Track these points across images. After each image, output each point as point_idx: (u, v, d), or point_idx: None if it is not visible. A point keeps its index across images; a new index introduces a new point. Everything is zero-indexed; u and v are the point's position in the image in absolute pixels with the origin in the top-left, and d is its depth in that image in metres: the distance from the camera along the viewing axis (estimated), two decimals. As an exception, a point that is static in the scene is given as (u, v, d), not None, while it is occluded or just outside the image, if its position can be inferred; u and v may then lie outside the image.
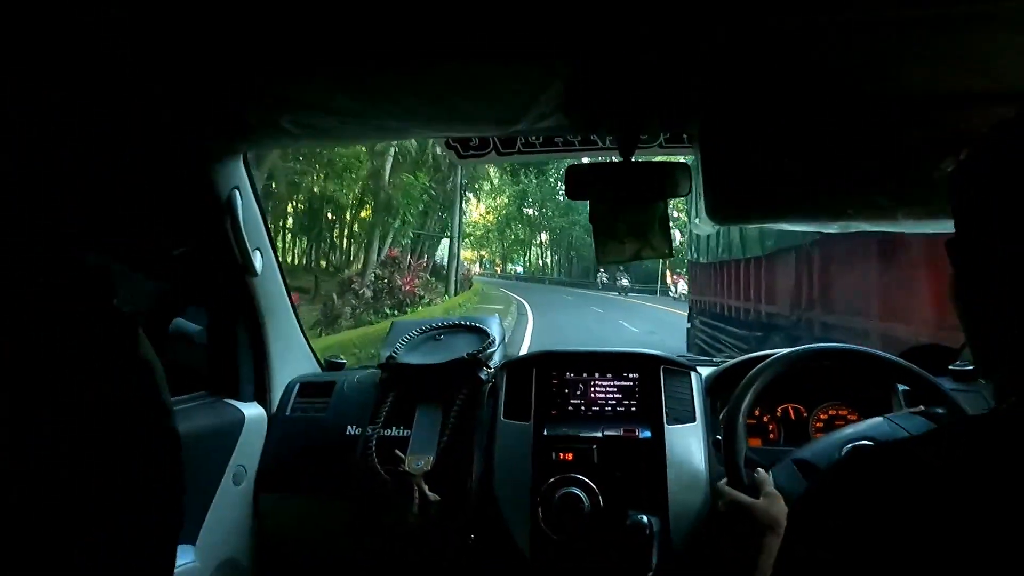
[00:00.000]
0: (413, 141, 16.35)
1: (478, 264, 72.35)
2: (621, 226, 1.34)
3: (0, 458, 0.32)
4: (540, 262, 55.69)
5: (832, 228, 1.25)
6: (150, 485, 0.39)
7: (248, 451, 1.52)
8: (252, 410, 1.54)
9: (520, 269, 58.47)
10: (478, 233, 57.30)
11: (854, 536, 0.46)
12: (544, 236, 51.88)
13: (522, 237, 53.30)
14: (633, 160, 1.31)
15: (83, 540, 0.35)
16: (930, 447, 0.49)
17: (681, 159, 1.35)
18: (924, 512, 0.44)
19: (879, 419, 1.25)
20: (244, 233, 1.40)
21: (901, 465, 0.48)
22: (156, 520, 0.40)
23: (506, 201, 46.58)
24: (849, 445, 1.17)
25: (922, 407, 1.28)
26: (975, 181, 0.54)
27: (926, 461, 0.47)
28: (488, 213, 51.23)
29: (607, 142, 1.41)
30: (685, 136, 1.38)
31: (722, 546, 1.18)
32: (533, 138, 1.42)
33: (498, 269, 63.77)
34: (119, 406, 0.37)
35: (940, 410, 1.23)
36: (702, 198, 1.21)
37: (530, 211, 48.46)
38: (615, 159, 1.32)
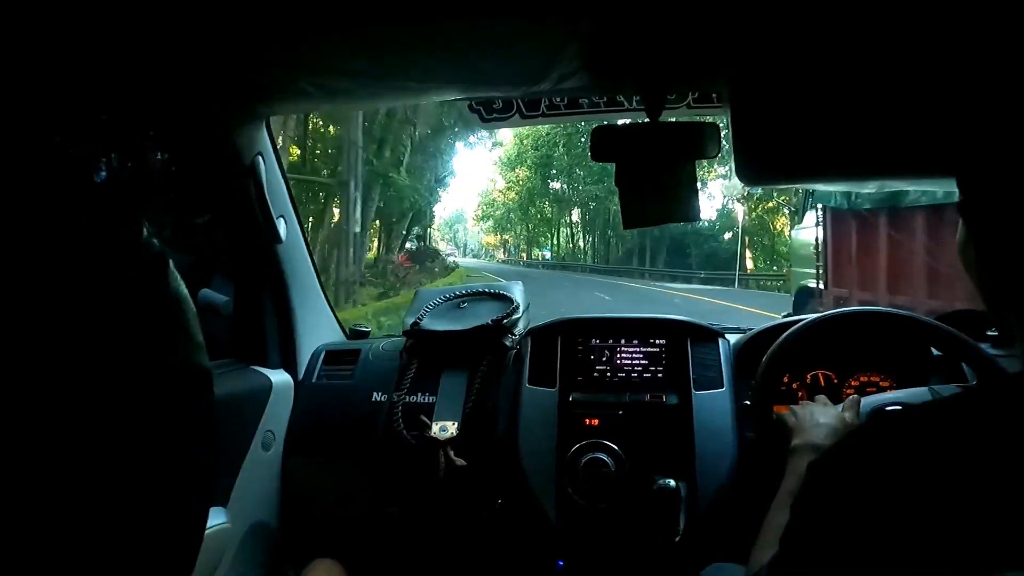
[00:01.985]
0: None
1: (502, 250, 65.79)
2: (647, 188, 1.32)
3: (25, 397, 0.32)
4: (571, 245, 46.54)
5: (869, 187, 1.21)
6: (184, 423, 0.38)
7: (276, 417, 1.54)
8: (279, 377, 1.56)
9: (548, 254, 49.37)
10: (498, 214, 52.90)
11: (870, 499, 0.45)
12: (575, 214, 43.09)
13: (549, 216, 45.88)
14: (661, 121, 1.28)
15: (114, 485, 0.34)
16: (955, 412, 0.47)
17: (711, 119, 1.31)
18: (944, 477, 0.43)
19: (922, 389, 1.22)
20: (268, 200, 1.39)
21: (923, 429, 0.47)
22: (190, 462, 0.40)
23: (528, 173, 41.28)
24: (855, 397, 1.15)
25: (970, 384, 1.25)
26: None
27: (949, 426, 0.46)
28: (509, 188, 46.49)
29: (634, 103, 1.38)
30: (714, 96, 1.34)
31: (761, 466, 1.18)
32: (558, 100, 1.39)
33: (523, 256, 55.54)
34: (149, 343, 0.37)
35: (984, 386, 1.19)
36: (732, 159, 1.18)
37: (557, 184, 41.71)
38: (643, 121, 1.28)
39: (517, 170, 42.88)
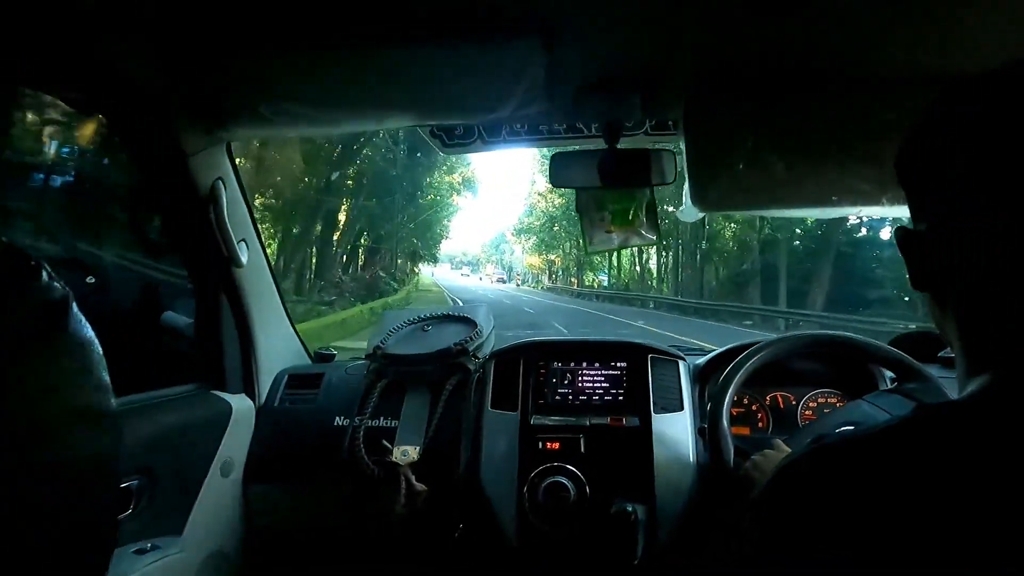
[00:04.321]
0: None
1: (547, 275, 55.96)
2: (607, 214, 1.34)
3: None
4: (636, 268, 35.01)
5: (816, 214, 1.24)
6: (78, 466, 0.38)
7: (236, 442, 1.52)
8: (240, 402, 1.54)
9: (605, 279, 39.95)
10: (539, 224, 43.62)
11: (808, 532, 0.46)
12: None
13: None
14: (619, 147, 1.30)
15: (8, 531, 0.34)
16: (890, 440, 0.48)
17: (668, 147, 1.34)
18: (878, 509, 0.44)
19: (856, 402, 1.26)
20: (228, 224, 1.39)
21: (857, 460, 0.47)
22: (88, 505, 0.39)
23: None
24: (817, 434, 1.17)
25: (896, 384, 1.28)
26: (935, 154, 0.54)
27: (884, 456, 0.46)
28: (551, 190, 29.36)
29: (592, 130, 1.40)
30: (670, 123, 1.37)
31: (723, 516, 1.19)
32: (518, 126, 1.41)
33: (574, 282, 44.60)
34: (48, 388, 0.36)
35: (913, 385, 1.23)
36: (687, 184, 1.21)
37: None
38: (601, 148, 1.31)
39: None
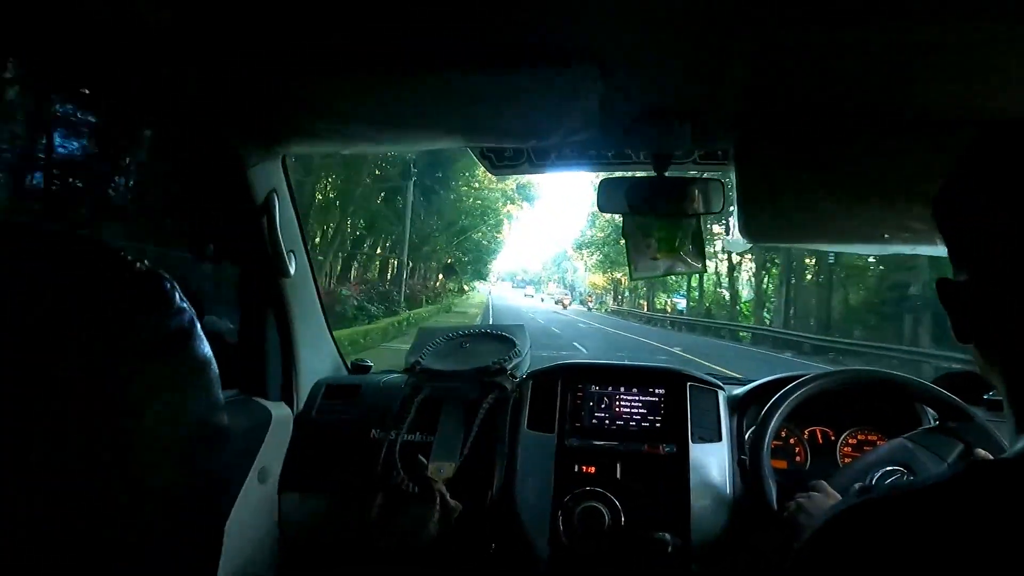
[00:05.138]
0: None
1: (611, 296, 49.85)
2: (653, 241, 1.34)
3: (43, 461, 0.33)
4: (720, 290, 31.15)
5: (869, 250, 1.24)
6: (193, 481, 0.39)
7: (274, 450, 1.54)
8: (279, 410, 1.56)
9: (681, 303, 35.15)
10: (600, 236, 38.99)
11: None
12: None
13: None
14: (667, 175, 1.31)
15: (114, 543, 0.35)
16: (941, 497, 0.47)
17: (716, 176, 1.34)
18: (926, 569, 0.43)
19: (899, 440, 1.24)
20: (279, 235, 1.42)
21: (907, 518, 0.47)
22: (205, 518, 0.41)
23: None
24: (856, 487, 1.14)
25: (938, 423, 1.26)
26: (972, 200, 0.53)
27: (934, 514, 0.46)
28: None
29: (641, 157, 1.41)
30: (720, 152, 1.37)
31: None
32: (567, 151, 1.42)
33: (642, 305, 39.60)
34: (176, 410, 0.38)
35: (957, 424, 1.21)
36: (735, 215, 1.21)
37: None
38: (650, 175, 1.32)
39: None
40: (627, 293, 45.82)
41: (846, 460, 1.49)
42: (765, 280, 26.08)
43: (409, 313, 17.43)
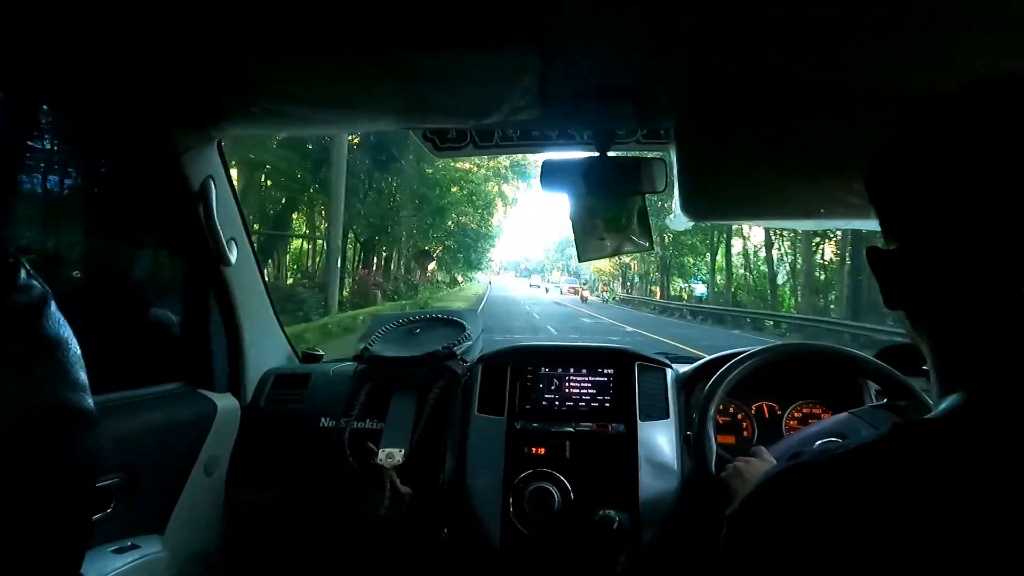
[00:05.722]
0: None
1: (619, 282, 46.47)
2: (599, 222, 1.34)
3: None
4: (749, 274, 27.20)
5: (806, 226, 1.25)
6: (50, 461, 0.38)
7: (221, 442, 1.51)
8: (225, 401, 1.53)
9: (701, 290, 29.71)
10: None
11: (779, 549, 0.46)
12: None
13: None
14: (609, 155, 1.31)
15: None
16: (864, 458, 0.48)
17: (658, 155, 1.34)
18: (849, 528, 0.44)
19: (844, 414, 1.27)
20: (217, 222, 1.38)
21: (831, 479, 0.48)
22: (63, 504, 0.39)
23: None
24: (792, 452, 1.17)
25: (885, 400, 1.29)
26: (909, 171, 0.54)
27: (857, 475, 0.47)
28: None
29: (585, 137, 1.41)
30: (662, 132, 1.37)
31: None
32: (511, 131, 1.41)
33: (655, 292, 35.29)
34: (24, 388, 0.36)
35: (903, 402, 1.24)
36: (677, 193, 1.21)
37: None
38: (593, 155, 1.31)
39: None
40: (637, 279, 41.50)
41: (790, 434, 1.52)
42: (820, 259, 20.64)
43: (343, 315, 13.28)
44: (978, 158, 0.48)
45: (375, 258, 22.57)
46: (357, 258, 21.24)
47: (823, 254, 20.75)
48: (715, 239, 26.41)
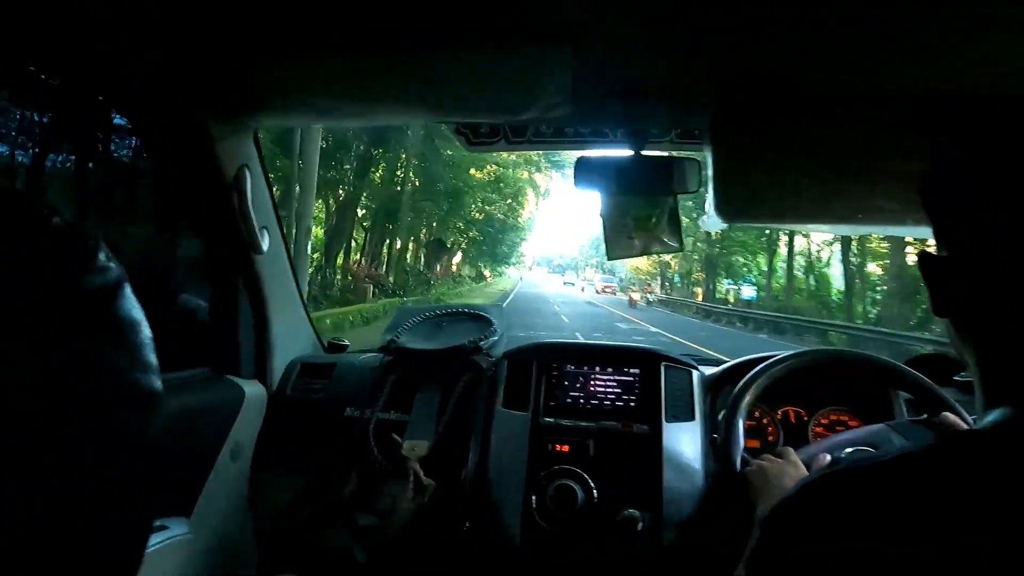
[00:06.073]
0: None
1: (657, 282, 41.09)
2: (630, 220, 1.34)
3: None
4: (810, 279, 24.55)
5: (843, 231, 1.24)
6: (118, 443, 0.38)
7: (247, 428, 1.53)
8: (252, 388, 1.55)
9: (749, 292, 26.55)
10: None
11: (816, 554, 0.46)
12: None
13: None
14: (643, 154, 1.30)
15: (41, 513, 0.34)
16: (910, 467, 0.48)
17: (692, 155, 1.33)
18: (892, 536, 0.43)
19: (880, 426, 1.24)
20: (251, 211, 1.40)
21: (876, 486, 0.47)
22: (133, 485, 0.40)
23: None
24: (827, 458, 1.15)
25: (925, 416, 1.27)
26: (957, 180, 0.53)
27: (903, 483, 0.46)
28: None
29: (618, 136, 1.40)
30: (696, 131, 1.36)
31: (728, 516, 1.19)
32: (544, 128, 1.41)
33: (697, 294, 31.09)
34: (100, 370, 0.37)
35: (938, 420, 1.22)
36: (711, 194, 1.20)
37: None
38: (626, 154, 1.31)
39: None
40: (677, 280, 37.89)
41: (817, 440, 1.50)
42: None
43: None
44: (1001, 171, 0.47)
45: (383, 248, 20.23)
46: (361, 247, 19.35)
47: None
48: (774, 235, 23.31)
